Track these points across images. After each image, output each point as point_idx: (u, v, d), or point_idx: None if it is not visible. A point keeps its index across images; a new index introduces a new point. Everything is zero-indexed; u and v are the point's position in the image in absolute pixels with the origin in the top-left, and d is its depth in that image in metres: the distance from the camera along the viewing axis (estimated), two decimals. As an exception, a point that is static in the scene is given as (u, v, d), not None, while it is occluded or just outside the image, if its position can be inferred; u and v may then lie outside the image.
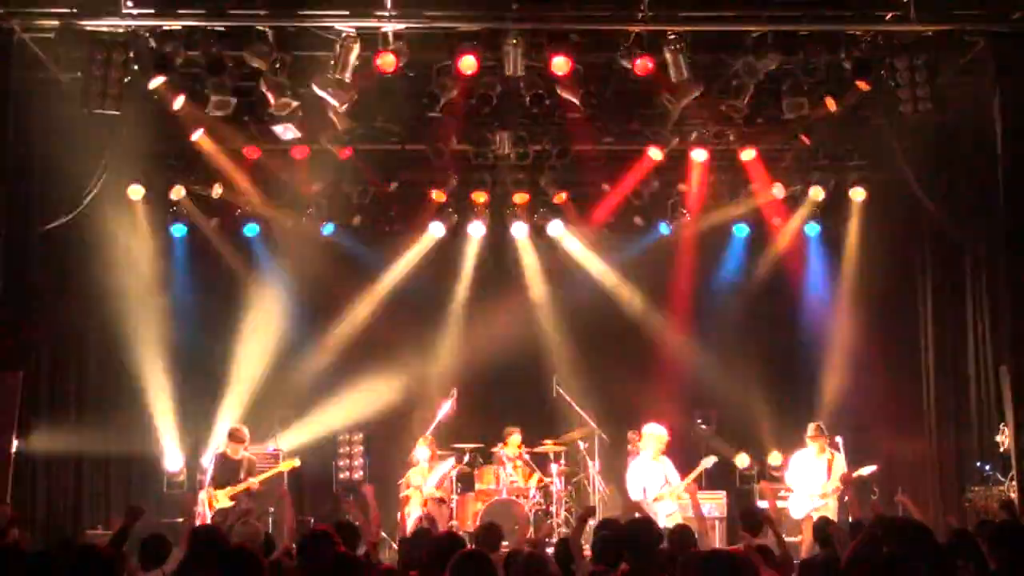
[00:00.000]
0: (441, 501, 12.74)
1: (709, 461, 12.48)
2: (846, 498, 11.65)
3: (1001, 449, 12.20)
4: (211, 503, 12.06)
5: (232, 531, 8.90)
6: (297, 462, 12.79)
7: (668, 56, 10.97)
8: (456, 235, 14.64)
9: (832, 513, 11.74)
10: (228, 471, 12.30)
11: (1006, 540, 6.13)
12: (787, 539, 8.25)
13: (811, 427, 12.39)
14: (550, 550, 8.52)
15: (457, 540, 6.62)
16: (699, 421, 14.35)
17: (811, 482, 12.04)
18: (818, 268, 14.59)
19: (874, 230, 13.84)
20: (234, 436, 12.48)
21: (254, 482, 12.22)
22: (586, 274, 14.80)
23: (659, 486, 11.90)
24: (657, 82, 11.35)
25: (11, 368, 11.48)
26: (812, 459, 12.18)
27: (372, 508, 8.04)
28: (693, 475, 12.05)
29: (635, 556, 6.31)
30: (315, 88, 11.13)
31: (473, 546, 6.99)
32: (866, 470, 12.21)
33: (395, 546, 12.56)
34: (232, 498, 12.15)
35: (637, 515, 7.91)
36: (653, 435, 12.24)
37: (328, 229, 14.30)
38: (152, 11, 10.76)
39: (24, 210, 11.50)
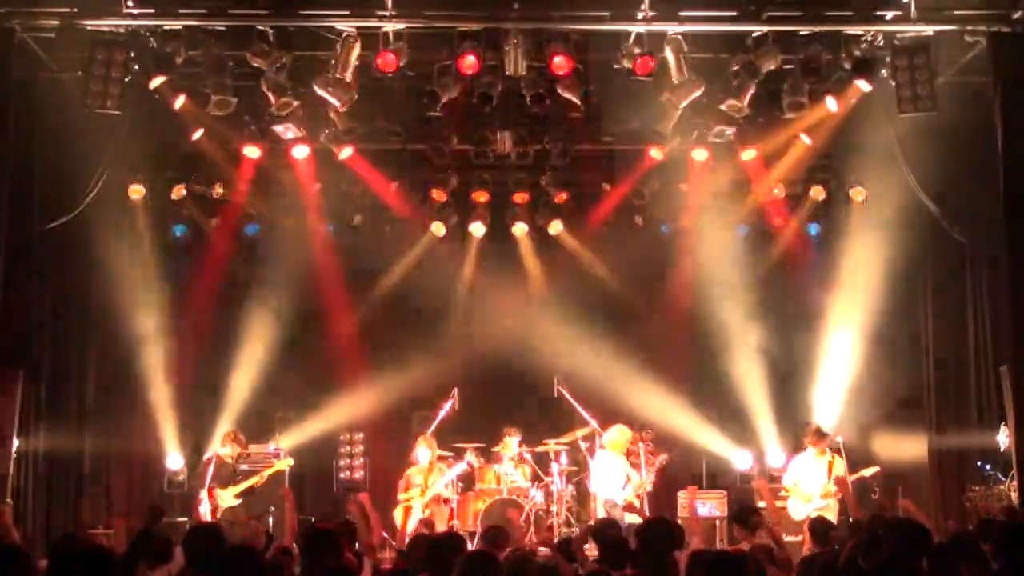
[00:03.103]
0: (442, 501, 12.72)
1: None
2: (845, 499, 11.68)
3: (1001, 449, 12.19)
4: (216, 503, 12.08)
5: (234, 531, 8.90)
6: (291, 461, 12.89)
7: (668, 56, 10.97)
8: (456, 235, 14.63)
9: (833, 514, 11.74)
10: (226, 472, 12.33)
11: (1009, 542, 6.13)
12: (788, 539, 8.26)
13: (810, 431, 12.40)
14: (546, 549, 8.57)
15: (458, 540, 6.62)
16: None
17: (812, 484, 12.04)
18: (818, 268, 14.58)
19: (874, 230, 13.83)
20: (230, 438, 12.52)
21: (260, 478, 12.31)
22: (586, 274, 14.79)
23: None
24: (657, 82, 11.36)
25: (11, 368, 11.48)
26: (812, 461, 12.18)
27: (370, 512, 8.05)
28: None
29: (645, 558, 6.25)
30: (315, 88, 11.14)
31: (475, 546, 7.00)
32: (868, 471, 12.23)
33: (395, 545, 12.56)
34: (238, 496, 12.22)
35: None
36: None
37: (328, 229, 14.31)
38: (153, 11, 10.79)
39: (24, 210, 11.50)
